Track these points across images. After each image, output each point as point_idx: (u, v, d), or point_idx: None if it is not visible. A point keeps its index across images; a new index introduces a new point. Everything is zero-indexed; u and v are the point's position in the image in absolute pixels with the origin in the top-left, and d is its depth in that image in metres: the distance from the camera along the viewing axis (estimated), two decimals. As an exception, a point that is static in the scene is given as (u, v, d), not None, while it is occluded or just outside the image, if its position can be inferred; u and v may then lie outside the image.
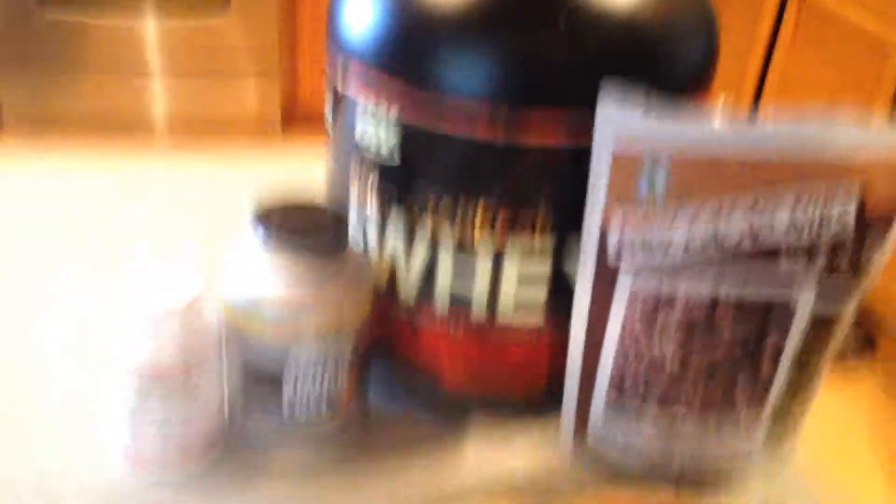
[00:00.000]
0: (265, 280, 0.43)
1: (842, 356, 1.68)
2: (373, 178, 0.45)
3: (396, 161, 0.43)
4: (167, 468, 0.45)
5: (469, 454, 0.49)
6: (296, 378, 0.43)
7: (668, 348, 0.42)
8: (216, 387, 0.45)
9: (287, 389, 0.43)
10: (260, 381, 0.44)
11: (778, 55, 1.92)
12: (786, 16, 1.88)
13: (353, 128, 0.45)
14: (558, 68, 0.40)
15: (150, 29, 1.88)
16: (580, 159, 0.40)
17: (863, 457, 1.48)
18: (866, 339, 1.71)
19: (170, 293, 0.42)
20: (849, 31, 1.68)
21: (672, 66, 0.43)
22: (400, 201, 0.44)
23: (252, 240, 0.43)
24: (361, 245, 0.47)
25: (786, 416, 0.44)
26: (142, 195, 0.69)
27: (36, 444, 0.47)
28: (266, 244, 0.42)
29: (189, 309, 0.42)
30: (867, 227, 0.39)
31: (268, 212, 0.43)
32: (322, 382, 0.44)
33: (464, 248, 0.44)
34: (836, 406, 1.59)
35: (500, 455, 0.49)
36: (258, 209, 0.43)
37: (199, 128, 2.01)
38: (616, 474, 0.46)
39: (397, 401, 0.51)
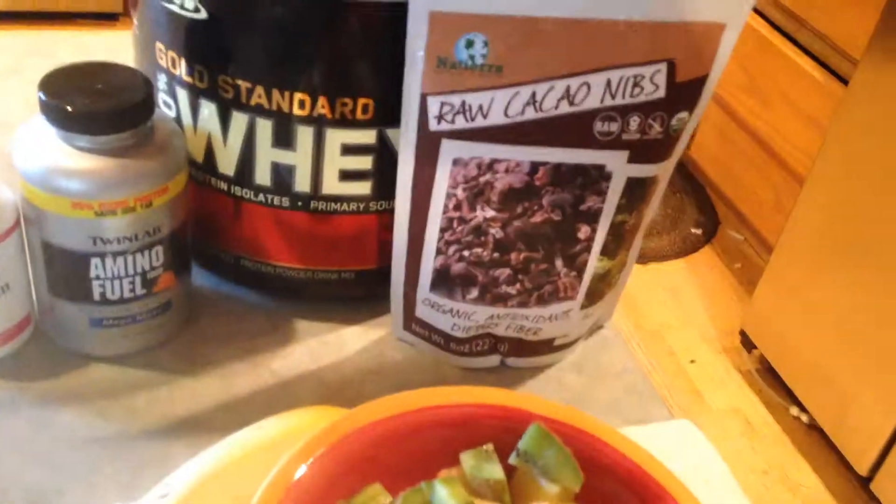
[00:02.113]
0: (62, 153, 0.39)
1: (685, 239, 1.78)
2: (179, 37, 0.42)
3: (204, 14, 0.40)
4: None
5: (299, 336, 0.48)
6: (104, 257, 0.41)
7: (489, 214, 0.42)
8: (19, 269, 0.42)
9: (96, 270, 0.41)
10: (66, 262, 0.41)
11: None
12: None
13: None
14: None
15: None
16: (401, 20, 0.39)
17: (688, 325, 1.59)
18: (710, 223, 1.82)
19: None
20: None
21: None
22: (211, 62, 0.41)
23: (44, 128, 0.39)
24: (173, 112, 0.44)
25: (605, 280, 0.46)
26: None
27: None
28: (55, 114, 0.39)
29: None
30: (677, 89, 0.40)
31: (58, 79, 0.40)
32: (134, 262, 0.41)
33: (283, 118, 0.42)
34: (673, 278, 1.70)
35: (330, 336, 0.48)
36: (46, 77, 0.39)
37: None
38: (445, 348, 0.47)
39: (223, 282, 0.49)
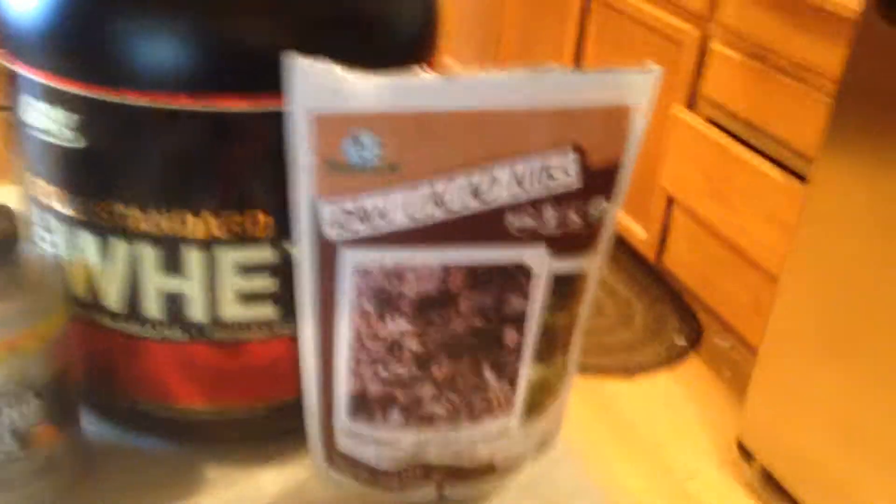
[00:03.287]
0: None
1: (669, 349, 1.73)
2: (53, 167, 0.38)
3: (82, 143, 0.37)
4: None
5: (209, 486, 0.42)
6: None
7: (403, 327, 0.38)
8: None
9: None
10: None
11: (587, 53, 2.01)
12: (588, 17, 1.97)
13: (26, 106, 0.38)
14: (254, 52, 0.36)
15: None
16: (284, 127, 0.36)
17: (683, 439, 1.52)
18: (693, 332, 1.78)
19: None
20: (644, 24, 1.78)
21: (381, 38, 0.40)
22: (87, 190, 0.38)
23: None
24: (50, 246, 0.40)
25: (544, 389, 0.41)
26: None
27: None
28: None
29: None
30: (592, 176, 0.37)
31: None
32: (3, 417, 0.37)
33: (169, 242, 0.38)
34: (661, 391, 1.64)
35: (246, 483, 0.43)
36: None
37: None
38: (373, 483, 0.42)
39: (120, 429, 0.44)
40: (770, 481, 1.39)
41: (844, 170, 1.19)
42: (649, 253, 1.84)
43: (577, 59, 2.04)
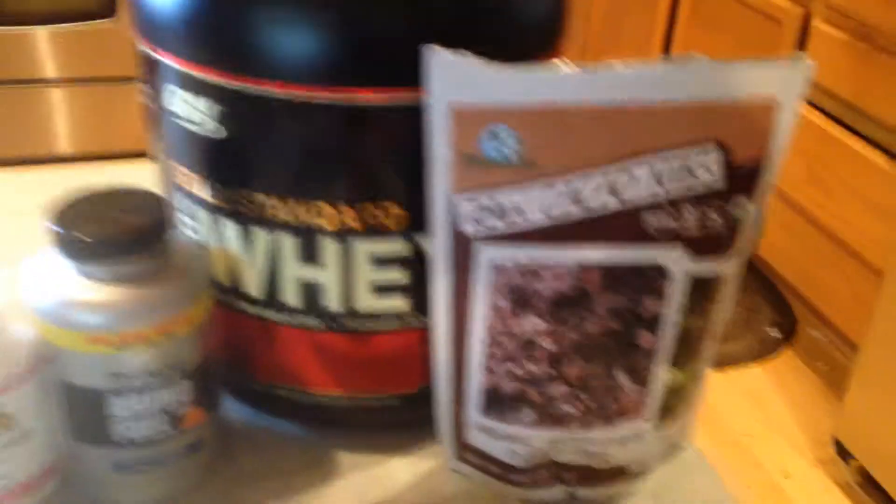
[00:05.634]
0: (75, 285, 0.37)
1: (762, 341, 1.66)
2: (196, 156, 0.40)
3: (223, 133, 0.38)
4: None
5: (342, 471, 0.43)
6: (124, 396, 0.38)
7: (537, 325, 0.37)
8: (37, 415, 0.39)
9: (116, 409, 0.38)
10: (85, 402, 0.38)
11: (678, 32, 1.93)
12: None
13: (170, 94, 0.40)
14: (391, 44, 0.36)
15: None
16: (423, 119, 0.36)
17: (775, 434, 1.45)
18: (787, 323, 1.69)
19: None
20: (742, 1, 1.69)
21: (512, 30, 0.39)
22: (229, 180, 0.39)
23: (55, 262, 0.38)
24: (194, 233, 0.42)
25: (678, 394, 0.40)
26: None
27: None
28: (65, 244, 0.37)
29: None
30: (735, 175, 0.35)
31: (68, 208, 0.38)
32: (157, 398, 0.38)
33: (307, 232, 0.39)
34: (753, 384, 1.57)
35: (376, 470, 0.43)
36: (56, 205, 0.38)
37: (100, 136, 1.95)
38: (503, 479, 0.41)
39: (258, 413, 0.46)
40: (869, 482, 1.31)
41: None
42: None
43: (668, 40, 1.96)
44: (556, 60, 0.41)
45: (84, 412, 0.39)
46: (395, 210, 0.39)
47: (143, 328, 0.37)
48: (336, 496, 0.42)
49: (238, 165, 0.39)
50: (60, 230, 0.37)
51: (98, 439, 0.39)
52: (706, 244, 0.36)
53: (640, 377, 0.38)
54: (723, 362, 1.60)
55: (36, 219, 0.64)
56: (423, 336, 0.42)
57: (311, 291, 0.40)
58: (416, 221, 0.39)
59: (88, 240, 0.36)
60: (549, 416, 0.39)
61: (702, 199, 0.35)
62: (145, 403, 0.38)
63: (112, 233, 0.37)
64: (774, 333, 1.68)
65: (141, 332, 0.37)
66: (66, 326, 0.37)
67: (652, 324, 0.37)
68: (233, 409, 0.45)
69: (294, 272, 0.40)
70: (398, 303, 0.41)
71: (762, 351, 1.65)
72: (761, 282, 1.78)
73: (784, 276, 1.71)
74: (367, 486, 0.42)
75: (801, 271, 1.64)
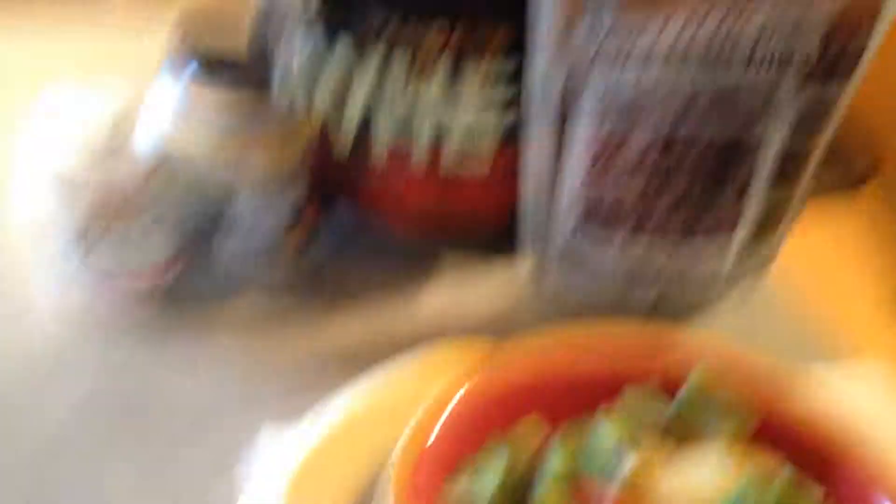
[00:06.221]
0: (193, 119, 0.39)
1: (844, 182, 1.64)
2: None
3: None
4: (104, 321, 0.43)
5: (428, 299, 0.46)
6: (234, 224, 0.41)
7: (644, 141, 0.39)
8: (152, 235, 0.42)
9: (226, 237, 0.41)
10: (197, 229, 0.42)
11: None
12: None
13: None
14: None
15: None
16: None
17: (858, 289, 1.47)
18: (869, 164, 1.67)
19: (94, 131, 0.38)
20: None
21: None
22: (339, 20, 0.40)
23: (176, 74, 0.39)
24: (296, 74, 0.43)
25: (774, 213, 0.42)
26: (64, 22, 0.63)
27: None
28: (190, 77, 0.39)
29: (114, 148, 0.39)
30: (840, 34, 0.36)
31: (190, 40, 0.39)
32: (263, 228, 0.41)
33: (413, 73, 0.40)
34: (830, 236, 1.57)
35: (459, 298, 0.46)
36: (179, 37, 0.39)
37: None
38: (592, 289, 0.45)
39: (351, 248, 0.48)
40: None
41: None
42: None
43: None
44: None
45: (197, 238, 0.42)
46: (504, 29, 0.39)
47: (253, 162, 0.39)
48: (432, 303, 0.46)
49: (347, 5, 0.39)
50: (185, 39, 0.38)
51: (209, 263, 0.42)
52: (823, 69, 0.37)
53: (743, 194, 0.40)
54: (809, 191, 1.58)
55: (157, 35, 0.65)
56: (511, 178, 0.43)
57: (408, 134, 0.42)
58: (525, 40, 0.39)
59: (211, 50, 0.38)
60: (645, 229, 0.41)
61: (808, 56, 0.36)
62: (263, 202, 0.41)
63: (236, 71, 0.38)
64: (859, 167, 1.65)
65: (259, 138, 0.39)
66: (184, 159, 0.39)
67: (760, 142, 0.38)
68: (341, 220, 0.48)
69: (394, 116, 0.41)
70: (501, 120, 0.42)
71: (846, 185, 1.62)
72: (850, 108, 1.73)
73: (870, 109, 1.66)
74: (461, 295, 0.46)
75: (890, 104, 1.59)
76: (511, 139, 0.42)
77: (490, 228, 0.46)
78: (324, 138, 0.44)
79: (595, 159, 0.40)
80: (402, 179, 0.44)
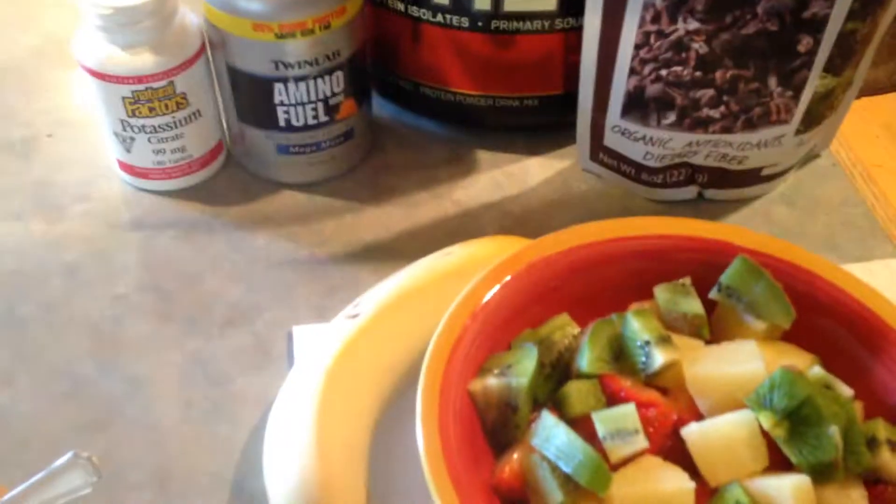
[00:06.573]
0: None
1: None
2: None
3: None
4: (163, 179, 0.44)
5: (482, 166, 0.46)
6: (287, 83, 0.40)
7: (693, 26, 0.37)
8: (208, 96, 0.43)
9: (279, 96, 0.41)
10: (251, 88, 0.41)
11: None
12: None
13: None
14: None
15: None
16: None
17: None
18: None
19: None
20: None
21: None
22: None
23: None
24: None
25: (826, 101, 0.40)
26: None
27: (36, 155, 0.46)
28: None
29: (163, 8, 0.39)
30: None
31: None
32: (316, 87, 0.41)
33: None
34: (889, 113, 1.51)
35: (513, 167, 0.46)
36: None
37: None
38: (635, 179, 0.44)
39: (403, 111, 0.48)
40: None
41: None
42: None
43: None
44: None
45: (250, 97, 0.42)
46: None
47: (302, 17, 0.39)
48: (474, 187, 0.45)
49: None
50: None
51: (263, 123, 0.42)
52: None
53: (793, 83, 0.38)
54: (861, 89, 1.53)
55: None
56: (569, 39, 0.42)
57: (461, -12, 0.40)
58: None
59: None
60: (691, 120, 0.40)
61: None
62: (304, 91, 0.41)
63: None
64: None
65: (300, 21, 0.39)
66: (233, 13, 0.39)
67: (814, 26, 0.36)
68: (381, 107, 0.48)
69: (447, -33, 0.40)
70: (546, 3, 0.41)
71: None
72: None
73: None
74: (504, 181, 0.45)
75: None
76: (563, 22, 0.41)
77: (548, 95, 0.44)
78: (371, 17, 0.43)
79: (638, 46, 0.38)
80: (458, 37, 0.42)
